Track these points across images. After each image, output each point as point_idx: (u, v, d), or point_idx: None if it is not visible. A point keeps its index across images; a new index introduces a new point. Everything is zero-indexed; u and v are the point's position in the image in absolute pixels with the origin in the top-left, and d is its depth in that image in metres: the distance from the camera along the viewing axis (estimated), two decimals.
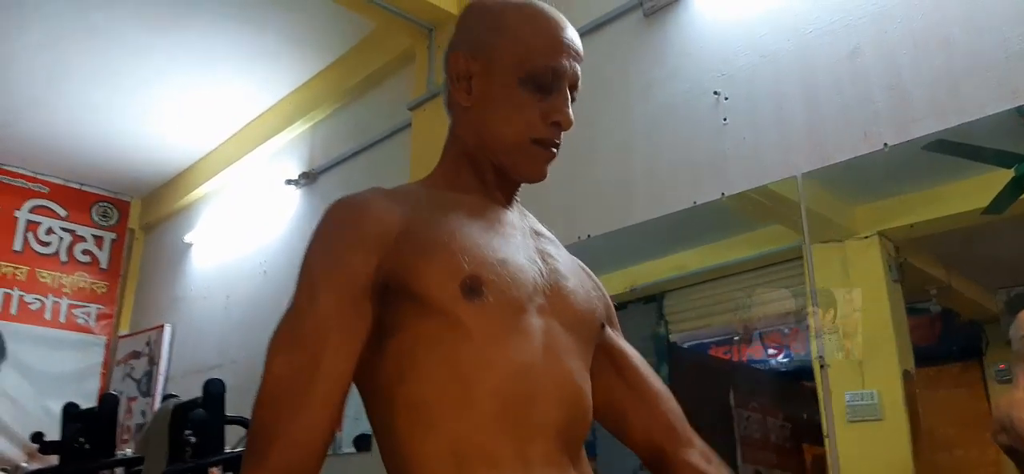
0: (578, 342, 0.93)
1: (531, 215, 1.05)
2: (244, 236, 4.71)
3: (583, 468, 0.90)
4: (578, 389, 0.90)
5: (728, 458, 2.23)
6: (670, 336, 2.61)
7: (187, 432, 2.44)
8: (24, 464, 3.33)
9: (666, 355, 2.61)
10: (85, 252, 5.71)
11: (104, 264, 5.77)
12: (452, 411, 0.81)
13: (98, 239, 5.78)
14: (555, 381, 0.86)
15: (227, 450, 2.49)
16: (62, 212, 5.62)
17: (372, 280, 0.85)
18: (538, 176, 0.97)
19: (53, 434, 3.01)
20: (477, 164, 0.98)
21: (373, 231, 0.87)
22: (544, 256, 0.96)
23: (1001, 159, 1.85)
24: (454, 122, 1.01)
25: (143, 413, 5.07)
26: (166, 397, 2.82)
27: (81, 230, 5.71)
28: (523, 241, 0.95)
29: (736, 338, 2.48)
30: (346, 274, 0.84)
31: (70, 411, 3.05)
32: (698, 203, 2.36)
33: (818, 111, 2.16)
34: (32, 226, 5.48)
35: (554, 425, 0.85)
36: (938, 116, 1.92)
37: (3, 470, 3.27)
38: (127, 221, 5.94)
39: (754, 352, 2.46)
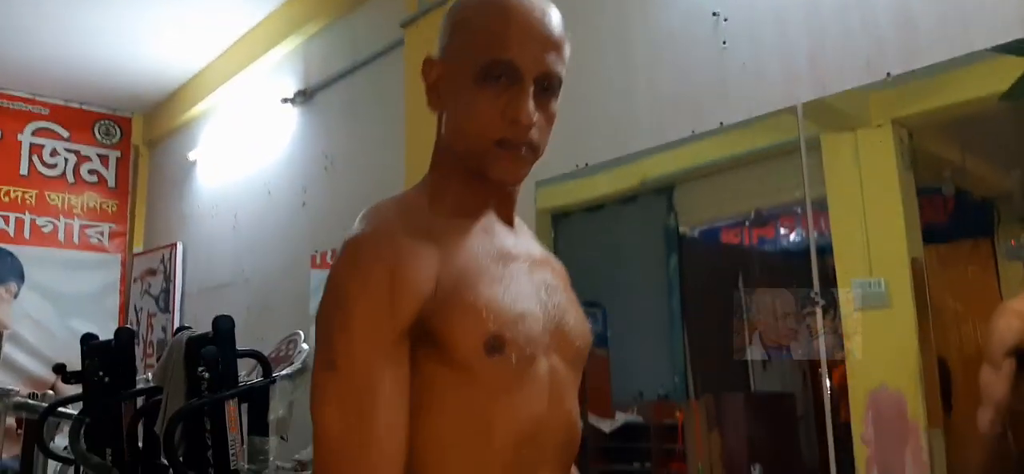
0: (574, 374, 0.97)
1: (526, 228, 1.03)
2: (246, 154, 4.72)
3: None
4: (575, 424, 0.96)
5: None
6: (680, 228, 2.61)
7: (201, 368, 2.53)
8: (49, 391, 3.47)
9: (676, 247, 2.63)
10: (91, 172, 5.74)
11: (112, 183, 5.81)
12: (468, 450, 0.85)
13: (103, 158, 5.80)
14: (559, 423, 0.92)
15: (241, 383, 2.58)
16: (64, 133, 5.62)
17: (409, 327, 0.82)
18: (512, 179, 0.94)
19: (79, 353, 3.10)
20: (469, 176, 0.93)
21: (411, 278, 0.82)
22: (548, 290, 0.96)
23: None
24: (437, 128, 0.98)
25: (163, 328, 5.22)
26: (180, 329, 2.90)
27: (85, 150, 5.72)
28: (529, 278, 0.94)
29: (748, 222, 2.47)
30: (388, 323, 0.81)
31: (88, 343, 3.14)
32: (697, 132, 2.33)
33: (820, 37, 2.10)
34: (36, 149, 5.50)
35: (555, 459, 0.93)
36: (946, 45, 1.85)
37: (31, 395, 3.41)
38: (130, 138, 5.94)
39: (766, 233, 2.44)
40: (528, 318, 0.88)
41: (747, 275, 2.41)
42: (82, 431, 2.95)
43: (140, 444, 2.79)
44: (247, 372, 2.90)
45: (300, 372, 2.69)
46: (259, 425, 2.52)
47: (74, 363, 3.09)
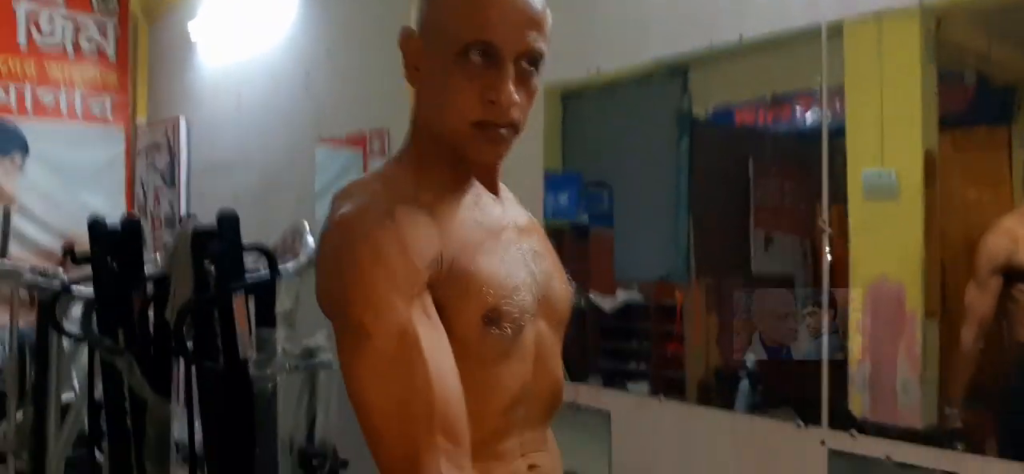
0: (558, 336, 1.00)
1: (510, 195, 1.02)
2: (248, 34, 4.60)
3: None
4: (559, 383, 1.00)
5: (741, 227, 2.32)
6: (694, 110, 2.58)
7: (206, 262, 2.57)
8: (59, 269, 3.54)
9: (688, 129, 2.61)
10: (90, 41, 5.63)
11: (112, 55, 5.71)
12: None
13: (101, 27, 5.67)
14: (545, 385, 0.96)
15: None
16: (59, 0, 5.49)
17: (425, 280, 0.81)
18: (491, 160, 0.93)
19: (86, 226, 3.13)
20: (451, 152, 0.91)
21: (419, 245, 0.81)
22: (535, 258, 0.96)
23: None
24: (416, 102, 0.96)
25: (170, 204, 5.26)
26: (186, 217, 2.93)
27: (81, 18, 5.59)
28: (518, 248, 0.95)
29: (762, 106, 2.41)
30: (409, 280, 0.78)
31: (96, 230, 3.18)
32: (714, 44, 2.25)
33: None
34: (32, 16, 5.37)
35: (540, 417, 0.97)
36: None
37: (41, 272, 3.48)
38: (128, 6, 5.80)
39: (781, 117, 2.38)
40: (522, 290, 0.90)
41: (758, 160, 2.38)
42: (93, 315, 3.04)
43: (151, 330, 2.87)
44: (254, 260, 2.95)
45: (305, 266, 2.73)
46: (266, 317, 2.59)
47: (82, 234, 3.13)
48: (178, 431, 2.95)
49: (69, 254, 3.36)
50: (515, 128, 0.89)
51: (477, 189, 0.95)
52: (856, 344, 1.94)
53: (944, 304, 1.98)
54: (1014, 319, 2.04)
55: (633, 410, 2.37)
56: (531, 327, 0.92)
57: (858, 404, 2.05)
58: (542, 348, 0.95)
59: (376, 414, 0.75)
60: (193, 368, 2.76)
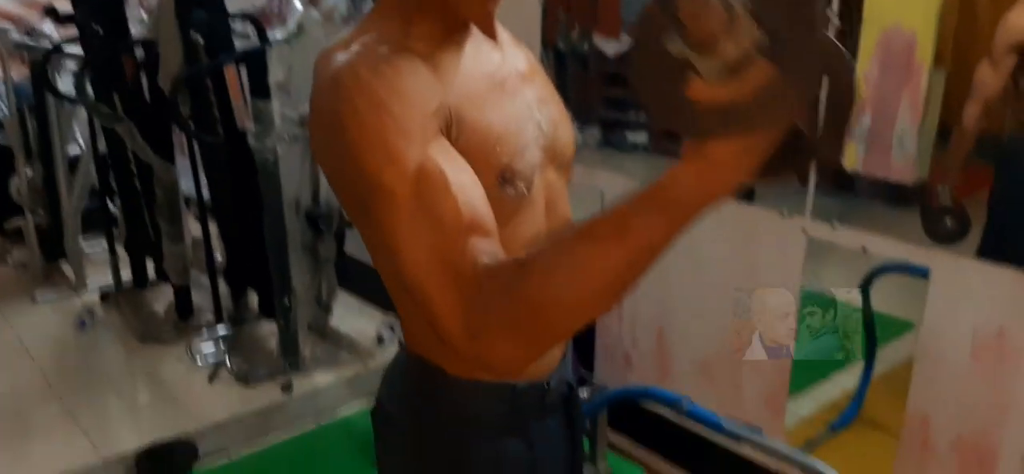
0: (565, 178, 0.96)
1: (507, 36, 0.93)
2: None
3: None
4: (567, 225, 0.95)
5: None
6: None
7: (194, 34, 2.50)
8: (47, 21, 3.42)
9: None
10: None
11: None
12: None
13: None
14: (554, 229, 0.93)
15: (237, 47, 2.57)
16: None
17: (437, 128, 0.73)
18: (482, 14, 0.82)
19: None
20: (439, 2, 0.81)
21: (421, 90, 0.73)
22: (540, 105, 0.90)
23: None
24: None
25: None
26: None
27: None
28: (523, 99, 0.88)
29: None
30: (421, 120, 0.70)
31: None
32: None
33: None
34: None
35: None
36: None
37: (28, 31, 3.39)
38: None
39: None
40: (532, 145, 0.86)
41: None
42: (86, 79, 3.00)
43: (147, 96, 2.86)
44: (240, 27, 2.86)
45: (295, 35, 2.65)
46: (260, 88, 2.56)
47: None
48: (186, 186, 3.05)
49: (51, 13, 3.24)
50: None
51: (474, 37, 0.86)
52: (860, 96, 1.96)
53: (955, 56, 1.95)
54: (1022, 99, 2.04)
55: (625, 189, 2.43)
56: (540, 178, 0.88)
57: (852, 156, 2.11)
58: (552, 195, 0.92)
59: (415, 268, 0.68)
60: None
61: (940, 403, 1.69)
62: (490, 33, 0.86)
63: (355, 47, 0.77)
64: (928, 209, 2.09)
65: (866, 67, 1.99)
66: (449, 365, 0.88)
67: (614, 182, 2.28)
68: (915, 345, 1.73)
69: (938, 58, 1.99)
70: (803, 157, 0.65)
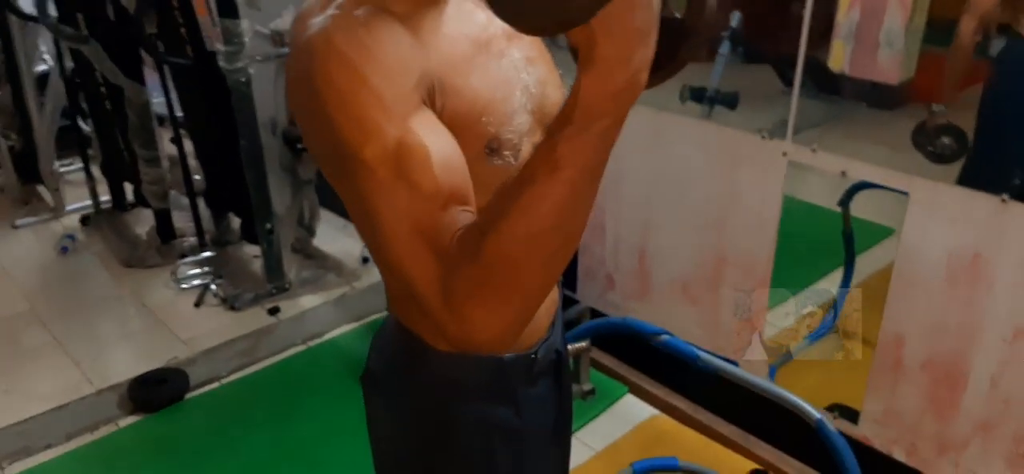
0: None
1: None
2: None
3: None
4: None
5: None
6: None
7: None
8: None
9: None
10: None
11: None
12: None
13: None
14: None
15: None
16: None
17: (418, 100, 0.70)
18: None
19: None
20: None
21: (403, 57, 0.70)
22: (528, 65, 0.86)
23: None
24: None
25: None
26: None
27: None
28: (511, 60, 0.84)
29: None
30: (404, 92, 0.68)
31: None
32: None
33: None
34: None
35: None
36: None
37: None
38: None
39: None
40: (520, 111, 0.83)
41: None
42: None
43: (111, 16, 2.75)
44: None
45: None
46: (228, 8, 2.47)
47: None
48: (159, 103, 2.98)
49: None
50: None
51: None
52: None
53: None
54: (1019, 9, 1.99)
55: None
56: (528, 142, 0.85)
57: (839, 56, 2.08)
58: None
59: (395, 241, 0.68)
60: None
61: (914, 324, 1.72)
62: None
63: (331, 10, 0.72)
64: (923, 128, 2.07)
65: None
66: (433, 340, 0.87)
67: None
68: (893, 256, 1.74)
69: None
70: (686, 42, 0.65)
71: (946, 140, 2.03)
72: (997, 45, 2.04)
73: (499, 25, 0.84)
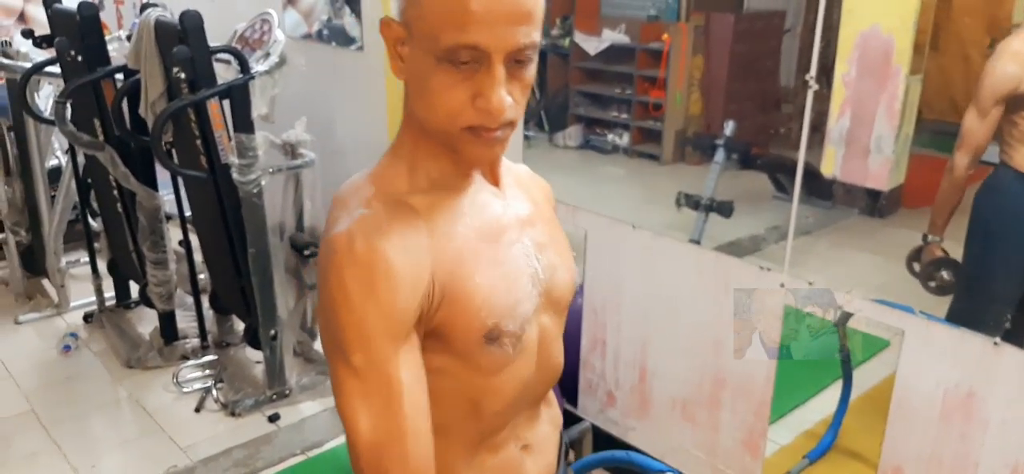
0: (561, 319, 0.98)
1: (512, 176, 0.96)
2: None
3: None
4: (559, 366, 0.99)
5: None
6: None
7: (176, 70, 2.48)
8: (19, 42, 3.36)
9: None
10: None
11: None
12: (463, 423, 0.90)
13: None
14: (546, 374, 0.96)
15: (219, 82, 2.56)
16: None
17: (416, 318, 0.80)
18: (487, 161, 0.88)
19: None
20: (447, 148, 0.85)
21: (410, 273, 0.79)
22: (538, 250, 0.92)
23: None
24: (405, 93, 0.87)
25: None
26: (145, 6, 2.75)
27: None
28: (521, 247, 0.90)
29: None
30: (398, 316, 0.78)
31: (55, 15, 3.01)
32: None
33: None
34: None
35: (539, 401, 1.00)
36: None
37: (5, 48, 3.33)
38: None
39: None
40: (524, 301, 0.88)
41: None
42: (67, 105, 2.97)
43: (128, 126, 2.84)
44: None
45: (277, 65, 2.64)
46: (243, 123, 2.56)
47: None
48: (169, 200, 3.04)
49: (28, 34, 3.19)
50: (511, 126, 0.83)
51: (477, 184, 0.89)
52: (839, 97, 1.97)
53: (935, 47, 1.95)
54: (1011, 145, 2.06)
55: (608, 230, 2.45)
56: (534, 324, 0.91)
57: (831, 161, 2.13)
58: (545, 339, 0.94)
59: (359, 437, 0.79)
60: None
61: (911, 456, 1.74)
62: (493, 181, 0.90)
63: (359, 210, 0.81)
64: (922, 263, 2.12)
65: (844, 68, 1.99)
66: None
67: (597, 224, 2.31)
68: (890, 368, 1.75)
69: (915, 65, 2.01)
70: None
71: (945, 274, 2.09)
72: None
73: (514, 213, 0.92)
